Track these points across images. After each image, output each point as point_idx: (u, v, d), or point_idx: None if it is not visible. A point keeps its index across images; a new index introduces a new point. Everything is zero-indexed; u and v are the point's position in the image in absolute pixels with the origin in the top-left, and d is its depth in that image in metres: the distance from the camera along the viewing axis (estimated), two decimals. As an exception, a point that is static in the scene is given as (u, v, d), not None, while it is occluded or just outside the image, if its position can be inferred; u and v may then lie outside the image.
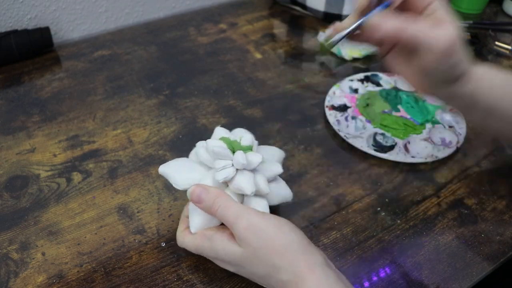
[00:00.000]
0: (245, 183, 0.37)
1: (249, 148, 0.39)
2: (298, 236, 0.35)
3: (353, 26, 0.37)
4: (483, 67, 0.41)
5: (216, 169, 0.38)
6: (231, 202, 0.36)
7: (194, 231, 0.38)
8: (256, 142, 0.41)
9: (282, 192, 0.42)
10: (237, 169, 0.38)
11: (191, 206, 0.39)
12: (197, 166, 0.40)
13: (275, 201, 0.41)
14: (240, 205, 0.36)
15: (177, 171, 0.40)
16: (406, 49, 0.38)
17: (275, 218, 0.36)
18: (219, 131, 0.41)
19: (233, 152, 0.38)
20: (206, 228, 0.39)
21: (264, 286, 0.37)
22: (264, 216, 0.35)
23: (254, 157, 0.38)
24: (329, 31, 0.39)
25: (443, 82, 0.39)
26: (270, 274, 0.34)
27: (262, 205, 0.39)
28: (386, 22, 0.35)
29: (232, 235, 0.36)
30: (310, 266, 0.33)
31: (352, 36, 0.39)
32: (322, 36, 0.74)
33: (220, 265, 0.39)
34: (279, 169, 0.40)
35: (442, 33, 0.35)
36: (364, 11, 0.37)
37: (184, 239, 0.39)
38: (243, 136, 0.40)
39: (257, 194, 0.39)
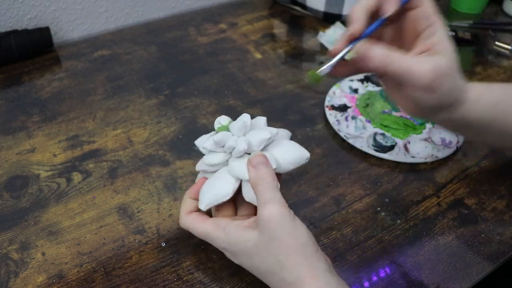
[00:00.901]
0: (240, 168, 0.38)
1: (225, 128, 0.39)
2: (310, 241, 0.35)
3: (343, 53, 0.37)
4: (477, 87, 0.40)
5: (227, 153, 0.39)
6: (276, 186, 0.36)
7: (204, 209, 0.38)
8: (261, 120, 0.41)
9: (292, 155, 0.39)
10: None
11: (204, 185, 0.39)
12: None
13: (287, 167, 0.39)
14: (280, 193, 0.36)
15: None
16: (394, 79, 0.38)
17: (297, 218, 0.36)
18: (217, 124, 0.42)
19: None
20: (218, 218, 0.39)
21: (266, 282, 0.37)
22: (291, 212, 0.35)
23: (240, 143, 0.38)
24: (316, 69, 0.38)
25: (433, 110, 0.39)
26: (275, 270, 0.34)
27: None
28: (372, 55, 0.35)
29: (246, 226, 0.36)
30: (313, 273, 0.33)
31: (340, 69, 0.39)
32: (322, 36, 0.74)
33: (227, 255, 0.38)
34: (266, 135, 0.38)
35: (427, 67, 0.35)
36: (355, 37, 0.37)
37: (195, 224, 0.39)
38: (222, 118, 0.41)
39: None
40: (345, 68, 0.40)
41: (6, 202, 0.47)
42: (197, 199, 0.40)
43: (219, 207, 0.40)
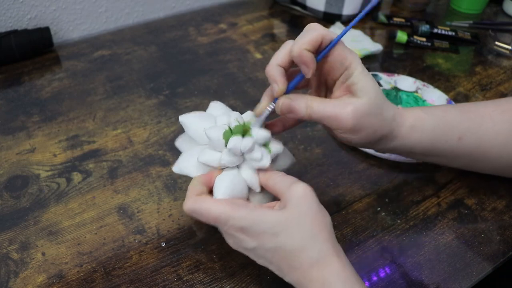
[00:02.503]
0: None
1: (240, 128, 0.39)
2: (331, 221, 0.36)
3: (266, 114, 0.38)
4: (413, 115, 0.40)
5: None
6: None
7: (222, 197, 0.37)
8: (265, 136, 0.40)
9: (288, 161, 0.43)
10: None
11: (222, 176, 0.38)
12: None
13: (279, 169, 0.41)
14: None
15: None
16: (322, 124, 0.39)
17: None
18: (213, 109, 0.41)
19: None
20: (233, 199, 0.37)
21: (280, 267, 0.35)
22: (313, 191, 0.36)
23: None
24: (249, 116, 0.40)
25: (366, 145, 0.41)
26: (304, 246, 0.34)
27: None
28: (297, 107, 0.37)
29: (266, 206, 0.37)
30: (337, 252, 0.34)
31: (275, 128, 0.41)
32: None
33: (239, 240, 0.36)
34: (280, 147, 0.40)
35: (347, 112, 0.36)
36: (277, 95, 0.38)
37: (206, 205, 0.36)
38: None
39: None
40: (279, 125, 0.42)
41: (6, 202, 0.47)
42: (207, 186, 0.38)
43: None
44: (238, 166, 0.39)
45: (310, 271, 0.34)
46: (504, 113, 0.42)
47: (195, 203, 0.36)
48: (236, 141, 0.37)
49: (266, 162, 0.38)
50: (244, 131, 0.38)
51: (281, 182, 0.37)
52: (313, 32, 0.36)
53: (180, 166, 0.40)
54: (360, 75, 0.36)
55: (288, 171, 0.40)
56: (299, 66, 0.37)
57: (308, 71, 0.36)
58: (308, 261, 0.34)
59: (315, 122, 0.39)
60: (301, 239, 0.34)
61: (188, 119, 0.40)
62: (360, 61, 0.37)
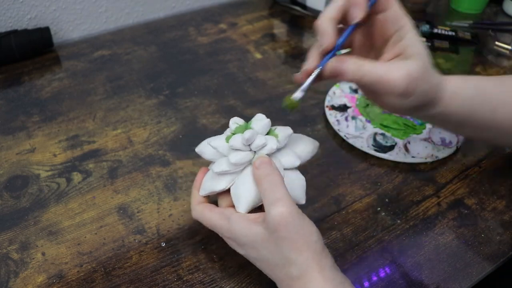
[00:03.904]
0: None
1: (242, 128, 0.39)
2: (317, 237, 0.35)
3: (315, 74, 0.36)
4: (454, 82, 0.40)
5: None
6: (282, 183, 0.35)
7: (245, 211, 0.37)
8: (286, 132, 0.40)
9: (309, 146, 0.42)
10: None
11: (240, 185, 0.38)
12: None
13: (306, 158, 0.41)
14: (286, 190, 0.35)
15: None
16: (370, 88, 0.38)
17: (304, 216, 0.35)
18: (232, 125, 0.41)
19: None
20: (226, 207, 0.39)
21: (268, 273, 0.37)
22: (299, 210, 0.35)
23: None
24: (298, 76, 0.38)
25: (410, 111, 0.40)
26: (283, 265, 0.34)
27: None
28: (345, 69, 0.35)
29: (252, 220, 0.36)
30: (321, 268, 0.34)
31: (317, 81, 0.38)
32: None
33: (232, 245, 0.38)
34: (289, 130, 0.40)
35: (399, 75, 0.35)
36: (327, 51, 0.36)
37: (204, 214, 0.39)
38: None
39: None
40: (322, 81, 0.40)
41: (6, 202, 0.47)
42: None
43: (221, 194, 0.40)
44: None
45: (293, 284, 0.34)
46: None
47: (196, 212, 0.40)
48: (236, 137, 0.38)
49: (272, 145, 0.38)
50: (245, 129, 0.39)
51: (266, 197, 0.35)
52: None
53: (205, 187, 0.40)
54: (413, 38, 0.35)
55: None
56: (348, 13, 0.35)
57: (359, 13, 0.34)
58: (289, 276, 0.34)
59: (363, 85, 0.37)
60: (280, 259, 0.34)
61: (200, 148, 0.42)
62: (411, 22, 0.36)
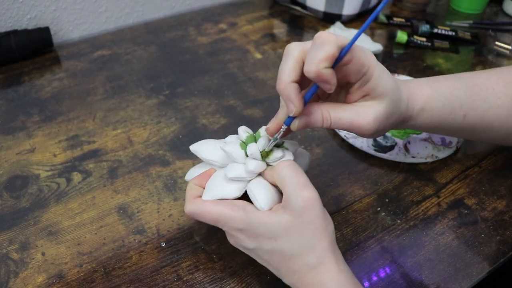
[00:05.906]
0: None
1: (253, 138, 0.39)
2: (333, 229, 0.36)
3: (282, 131, 0.36)
4: (423, 97, 0.40)
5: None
6: (302, 171, 0.36)
7: (267, 208, 0.36)
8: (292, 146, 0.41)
9: (305, 160, 0.43)
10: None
11: (258, 183, 0.38)
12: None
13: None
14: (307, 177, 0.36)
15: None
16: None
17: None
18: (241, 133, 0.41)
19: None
20: (232, 200, 0.37)
21: (278, 268, 0.36)
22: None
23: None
24: (263, 133, 0.39)
25: (383, 134, 0.41)
26: (302, 253, 0.34)
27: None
28: (312, 123, 0.35)
29: (270, 210, 0.36)
30: (337, 259, 0.34)
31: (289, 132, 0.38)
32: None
33: (239, 239, 0.37)
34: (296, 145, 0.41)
35: (368, 120, 0.35)
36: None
37: (205, 207, 0.37)
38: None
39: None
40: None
41: (6, 202, 0.47)
42: (203, 187, 0.39)
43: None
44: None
45: (307, 275, 0.34)
46: (507, 85, 0.43)
47: (195, 206, 0.38)
48: (253, 146, 0.38)
49: (290, 157, 0.38)
50: (255, 140, 0.39)
51: (289, 184, 0.35)
52: (328, 46, 0.31)
53: (214, 193, 0.39)
54: (378, 79, 0.35)
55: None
56: (317, 83, 0.34)
57: (330, 87, 0.33)
58: (306, 267, 0.34)
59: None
60: (300, 247, 0.34)
61: (197, 147, 0.41)
62: (376, 60, 0.35)
